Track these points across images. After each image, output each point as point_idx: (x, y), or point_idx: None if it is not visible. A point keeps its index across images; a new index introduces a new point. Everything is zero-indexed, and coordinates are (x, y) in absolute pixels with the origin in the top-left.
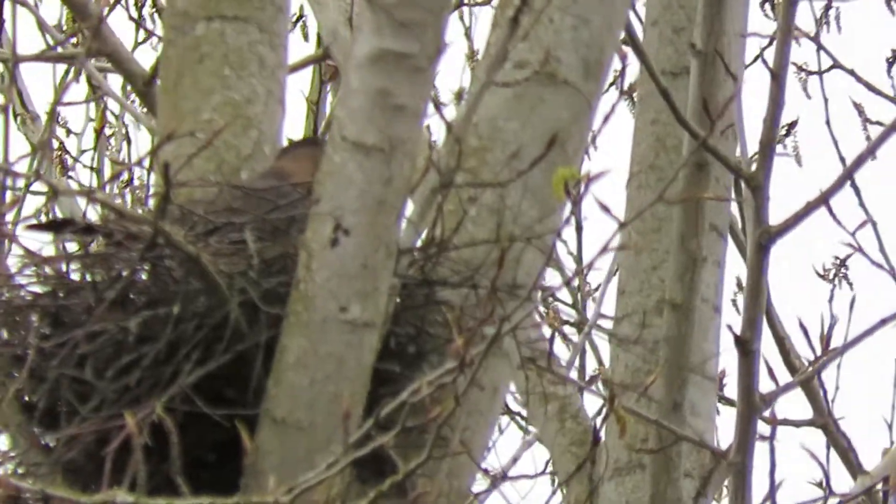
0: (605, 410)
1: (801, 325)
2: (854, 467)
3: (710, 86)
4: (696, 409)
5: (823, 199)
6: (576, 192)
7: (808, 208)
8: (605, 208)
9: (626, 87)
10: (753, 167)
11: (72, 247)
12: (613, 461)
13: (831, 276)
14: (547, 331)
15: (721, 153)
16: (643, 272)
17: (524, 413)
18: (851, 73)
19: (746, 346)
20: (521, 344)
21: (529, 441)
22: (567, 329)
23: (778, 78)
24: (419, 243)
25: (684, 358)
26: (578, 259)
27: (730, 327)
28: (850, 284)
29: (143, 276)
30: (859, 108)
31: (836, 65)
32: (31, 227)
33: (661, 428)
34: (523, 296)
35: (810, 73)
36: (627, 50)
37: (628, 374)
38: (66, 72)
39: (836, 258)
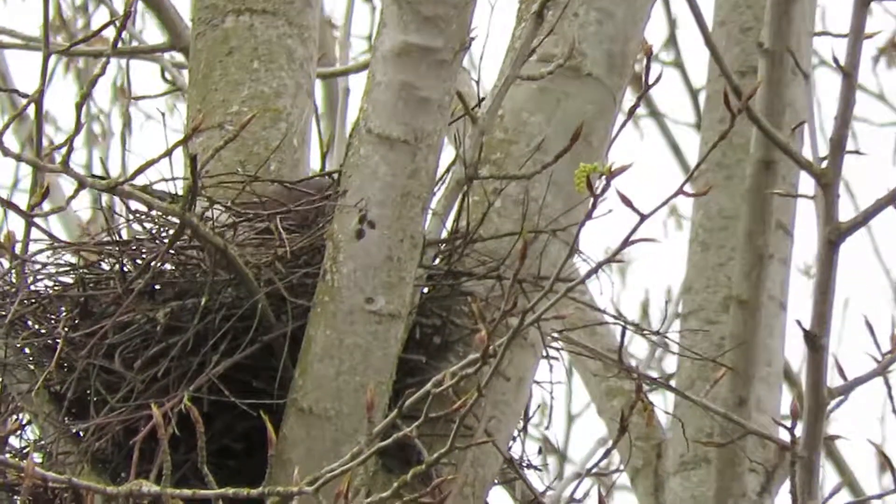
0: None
1: (868, 323)
2: None
3: (777, 84)
4: (761, 404)
5: (893, 197)
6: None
7: (879, 206)
8: (628, 201)
9: (650, 82)
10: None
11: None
12: (679, 455)
13: None
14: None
15: (791, 149)
16: (710, 269)
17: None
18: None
19: (815, 342)
20: (546, 335)
21: (604, 438)
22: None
23: (849, 76)
24: (445, 235)
25: (750, 354)
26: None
27: (799, 322)
28: None
29: (171, 267)
30: None
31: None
32: None
33: (727, 422)
34: (547, 287)
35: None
36: (650, 45)
37: (695, 369)
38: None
39: None
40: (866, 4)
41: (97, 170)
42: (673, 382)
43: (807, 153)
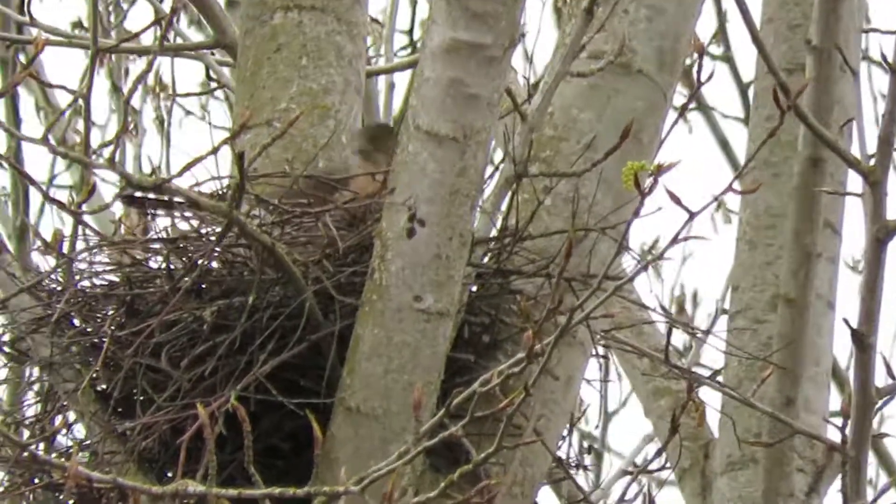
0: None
1: None
2: None
3: (825, 81)
4: (809, 404)
5: None
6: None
7: None
8: (677, 199)
9: (702, 80)
10: (872, 162)
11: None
12: (727, 455)
13: None
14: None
15: (839, 147)
16: (757, 268)
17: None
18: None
19: (863, 340)
20: (595, 334)
21: (650, 436)
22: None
23: None
24: (494, 233)
25: (798, 353)
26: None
27: (846, 321)
28: None
29: (218, 265)
30: None
31: None
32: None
33: (775, 421)
34: (595, 285)
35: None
36: (702, 43)
37: (743, 368)
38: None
39: None
40: None
41: (129, 166)
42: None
43: (855, 151)
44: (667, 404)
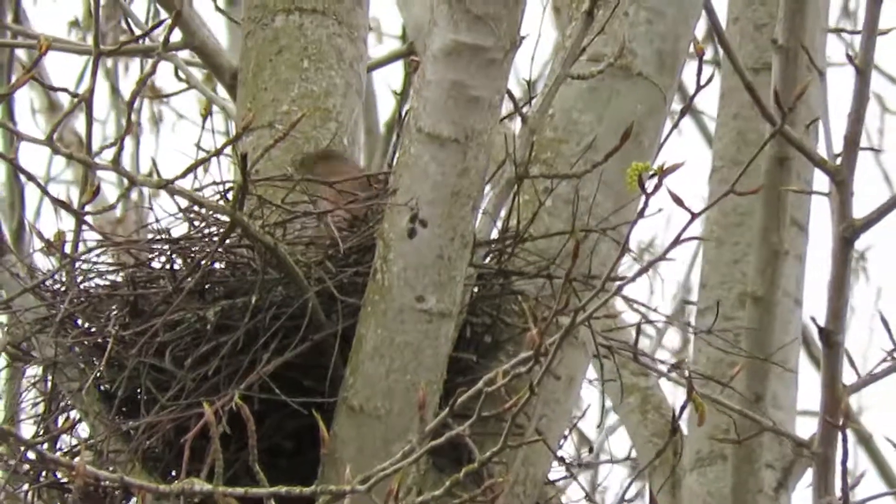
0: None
1: (883, 319)
2: None
3: (792, 81)
4: (777, 401)
5: None
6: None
7: (893, 203)
8: (679, 200)
9: (703, 81)
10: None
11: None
12: (695, 452)
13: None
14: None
15: (805, 147)
16: (725, 265)
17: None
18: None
19: (830, 338)
20: (597, 334)
21: (610, 429)
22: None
23: (863, 73)
24: (495, 234)
25: (765, 350)
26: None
27: (814, 319)
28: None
29: (221, 266)
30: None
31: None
32: None
33: (744, 418)
34: (598, 286)
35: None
36: (703, 45)
37: (710, 365)
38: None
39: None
40: (879, 0)
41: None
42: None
43: (822, 150)
44: (635, 401)
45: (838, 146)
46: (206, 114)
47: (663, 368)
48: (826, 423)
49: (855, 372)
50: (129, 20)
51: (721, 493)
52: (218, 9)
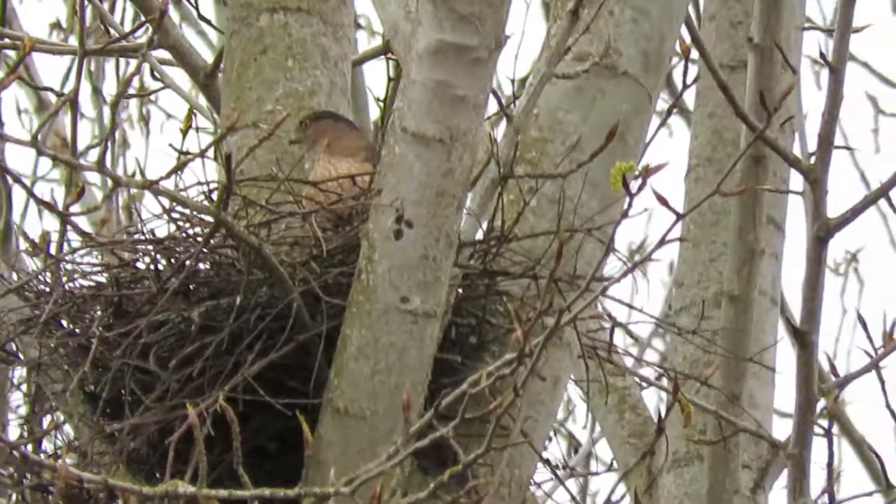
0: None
1: (860, 318)
2: None
3: (767, 79)
4: (754, 400)
5: (882, 193)
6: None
7: (868, 202)
8: (664, 201)
9: (687, 80)
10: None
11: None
12: (672, 453)
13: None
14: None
15: (780, 146)
16: (701, 264)
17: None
18: (865, 65)
19: (805, 338)
20: (581, 335)
21: (596, 438)
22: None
23: (836, 71)
24: (480, 234)
25: (742, 350)
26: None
27: (788, 319)
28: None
29: (206, 266)
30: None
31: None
32: None
33: (719, 419)
34: (583, 286)
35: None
36: (688, 45)
37: (687, 365)
38: (139, 65)
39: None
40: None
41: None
42: (664, 379)
43: (796, 149)
44: (612, 401)
45: (813, 145)
46: (187, 128)
47: (643, 370)
48: (801, 424)
49: (833, 373)
50: (105, 22)
51: (698, 494)
52: (201, 17)
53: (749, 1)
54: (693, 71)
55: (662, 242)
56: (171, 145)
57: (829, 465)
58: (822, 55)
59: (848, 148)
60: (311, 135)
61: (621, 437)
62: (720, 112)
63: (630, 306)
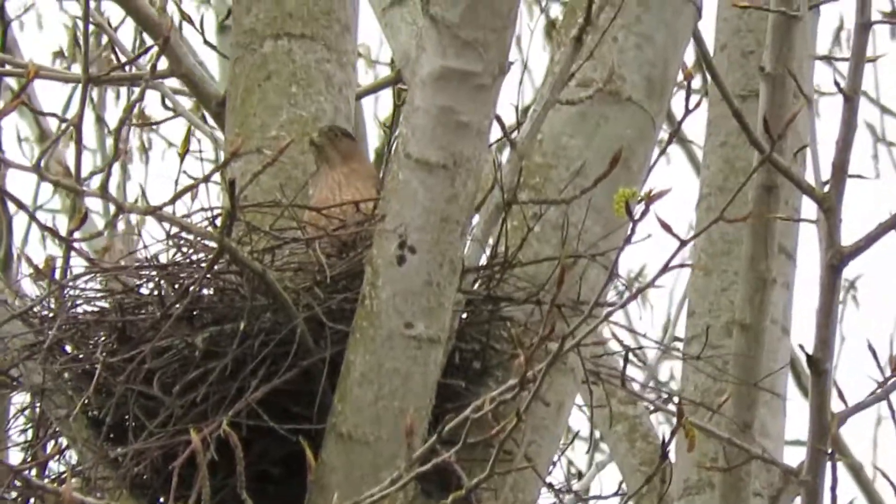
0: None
1: (870, 347)
2: None
3: (779, 108)
4: (765, 429)
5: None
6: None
7: (882, 230)
8: (667, 227)
9: (691, 106)
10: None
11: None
12: (683, 480)
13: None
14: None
15: (793, 173)
16: (713, 294)
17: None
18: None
19: (818, 366)
20: (585, 360)
21: (601, 464)
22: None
23: (850, 100)
24: (484, 260)
25: (753, 379)
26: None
27: (802, 347)
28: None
29: (210, 292)
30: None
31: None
32: None
33: (731, 447)
34: (586, 312)
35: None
36: (692, 71)
37: (698, 394)
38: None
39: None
40: (867, 28)
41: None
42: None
43: (809, 177)
44: (623, 430)
45: (827, 173)
46: (185, 151)
47: (652, 396)
48: (814, 451)
49: (842, 401)
50: (116, 48)
51: None
52: (206, 42)
53: (761, 31)
54: (694, 99)
55: (666, 269)
56: (184, 172)
57: (833, 489)
58: (836, 84)
59: (861, 176)
60: (339, 147)
61: (632, 466)
62: (732, 141)
63: (634, 332)
